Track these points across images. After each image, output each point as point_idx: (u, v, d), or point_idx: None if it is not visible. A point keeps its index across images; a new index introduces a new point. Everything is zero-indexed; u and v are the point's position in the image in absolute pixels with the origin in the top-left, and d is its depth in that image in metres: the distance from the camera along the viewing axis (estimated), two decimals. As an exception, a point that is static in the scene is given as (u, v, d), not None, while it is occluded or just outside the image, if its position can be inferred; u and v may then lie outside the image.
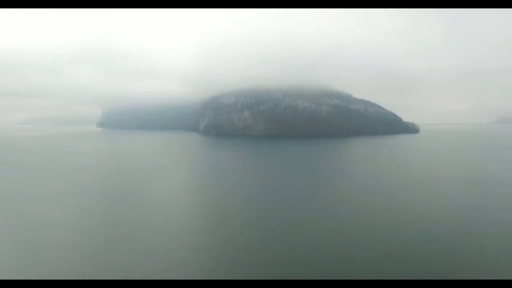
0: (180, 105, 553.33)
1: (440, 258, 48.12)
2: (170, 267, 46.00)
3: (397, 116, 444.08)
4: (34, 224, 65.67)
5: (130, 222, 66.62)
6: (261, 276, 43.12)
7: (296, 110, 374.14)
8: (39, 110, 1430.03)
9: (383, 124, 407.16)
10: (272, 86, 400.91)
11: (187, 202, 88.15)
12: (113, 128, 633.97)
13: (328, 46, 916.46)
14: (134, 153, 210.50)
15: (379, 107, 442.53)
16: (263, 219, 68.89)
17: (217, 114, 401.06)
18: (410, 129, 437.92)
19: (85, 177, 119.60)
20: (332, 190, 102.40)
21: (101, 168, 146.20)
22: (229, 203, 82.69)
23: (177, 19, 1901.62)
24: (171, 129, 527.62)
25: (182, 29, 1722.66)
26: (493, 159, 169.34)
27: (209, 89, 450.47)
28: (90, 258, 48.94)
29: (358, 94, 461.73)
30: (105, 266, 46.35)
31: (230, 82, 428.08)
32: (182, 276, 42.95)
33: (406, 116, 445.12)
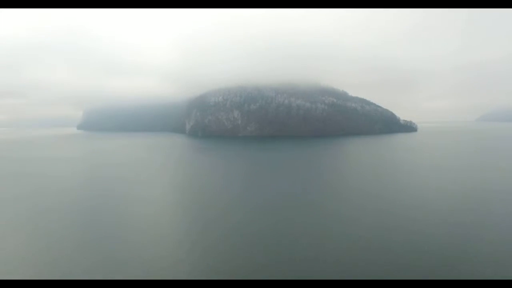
0: (165, 105, 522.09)
1: (440, 258, 47.35)
2: (166, 268, 45.81)
3: (394, 114, 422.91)
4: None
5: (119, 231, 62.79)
6: (258, 276, 42.91)
7: (289, 108, 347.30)
8: (16, 110, 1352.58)
9: (381, 123, 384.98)
10: (263, 84, 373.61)
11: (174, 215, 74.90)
12: (94, 131, 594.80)
13: (321, 44, 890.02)
14: (104, 161, 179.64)
15: (376, 105, 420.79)
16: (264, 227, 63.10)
17: (204, 113, 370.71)
18: (408, 128, 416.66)
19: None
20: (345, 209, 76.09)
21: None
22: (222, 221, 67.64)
23: (159, 17, 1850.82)
24: (155, 130, 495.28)
25: (165, 27, 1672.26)
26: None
27: (195, 87, 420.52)
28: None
29: (353, 92, 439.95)
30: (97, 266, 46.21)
31: (217, 80, 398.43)
32: (180, 276, 43.23)
33: (398, 114, 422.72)
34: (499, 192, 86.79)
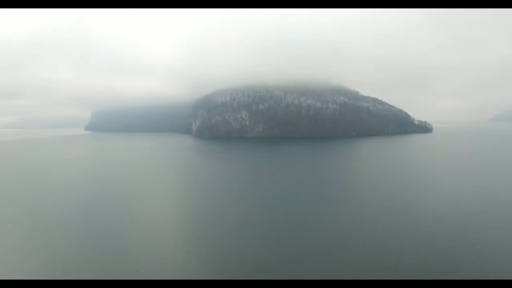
0: (171, 105, 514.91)
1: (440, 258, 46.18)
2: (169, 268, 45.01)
3: (408, 114, 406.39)
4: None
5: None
6: (259, 276, 42.23)
7: (299, 108, 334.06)
8: (24, 111, 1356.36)
9: (394, 123, 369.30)
10: (272, 83, 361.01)
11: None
12: (101, 131, 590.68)
13: (330, 41, 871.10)
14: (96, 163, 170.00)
15: (389, 105, 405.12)
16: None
17: (211, 114, 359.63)
18: (423, 128, 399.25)
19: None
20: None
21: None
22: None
23: (165, 16, 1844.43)
24: (162, 131, 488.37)
25: (171, 26, 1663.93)
26: None
27: (201, 87, 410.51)
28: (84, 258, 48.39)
29: (364, 91, 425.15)
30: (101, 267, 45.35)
31: (224, 79, 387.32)
32: (180, 276, 42.60)
33: (411, 114, 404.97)
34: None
